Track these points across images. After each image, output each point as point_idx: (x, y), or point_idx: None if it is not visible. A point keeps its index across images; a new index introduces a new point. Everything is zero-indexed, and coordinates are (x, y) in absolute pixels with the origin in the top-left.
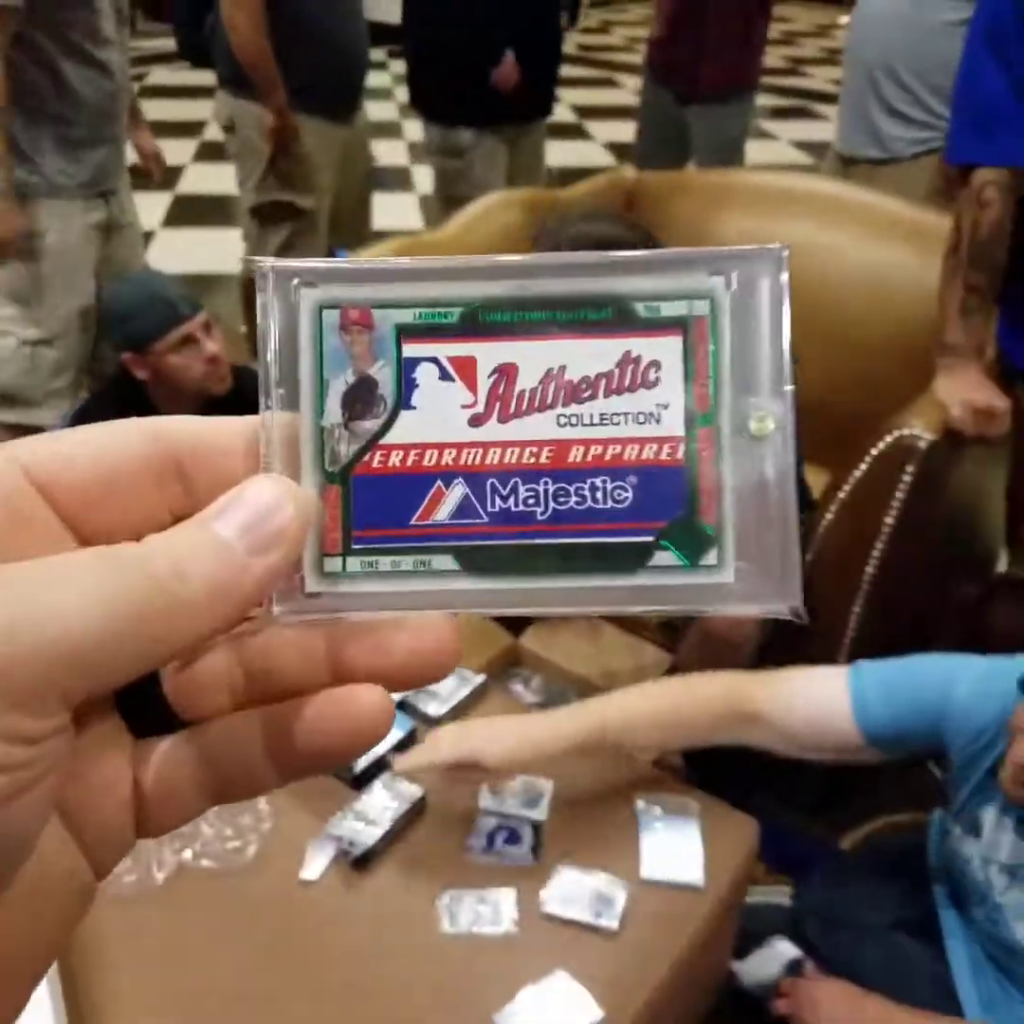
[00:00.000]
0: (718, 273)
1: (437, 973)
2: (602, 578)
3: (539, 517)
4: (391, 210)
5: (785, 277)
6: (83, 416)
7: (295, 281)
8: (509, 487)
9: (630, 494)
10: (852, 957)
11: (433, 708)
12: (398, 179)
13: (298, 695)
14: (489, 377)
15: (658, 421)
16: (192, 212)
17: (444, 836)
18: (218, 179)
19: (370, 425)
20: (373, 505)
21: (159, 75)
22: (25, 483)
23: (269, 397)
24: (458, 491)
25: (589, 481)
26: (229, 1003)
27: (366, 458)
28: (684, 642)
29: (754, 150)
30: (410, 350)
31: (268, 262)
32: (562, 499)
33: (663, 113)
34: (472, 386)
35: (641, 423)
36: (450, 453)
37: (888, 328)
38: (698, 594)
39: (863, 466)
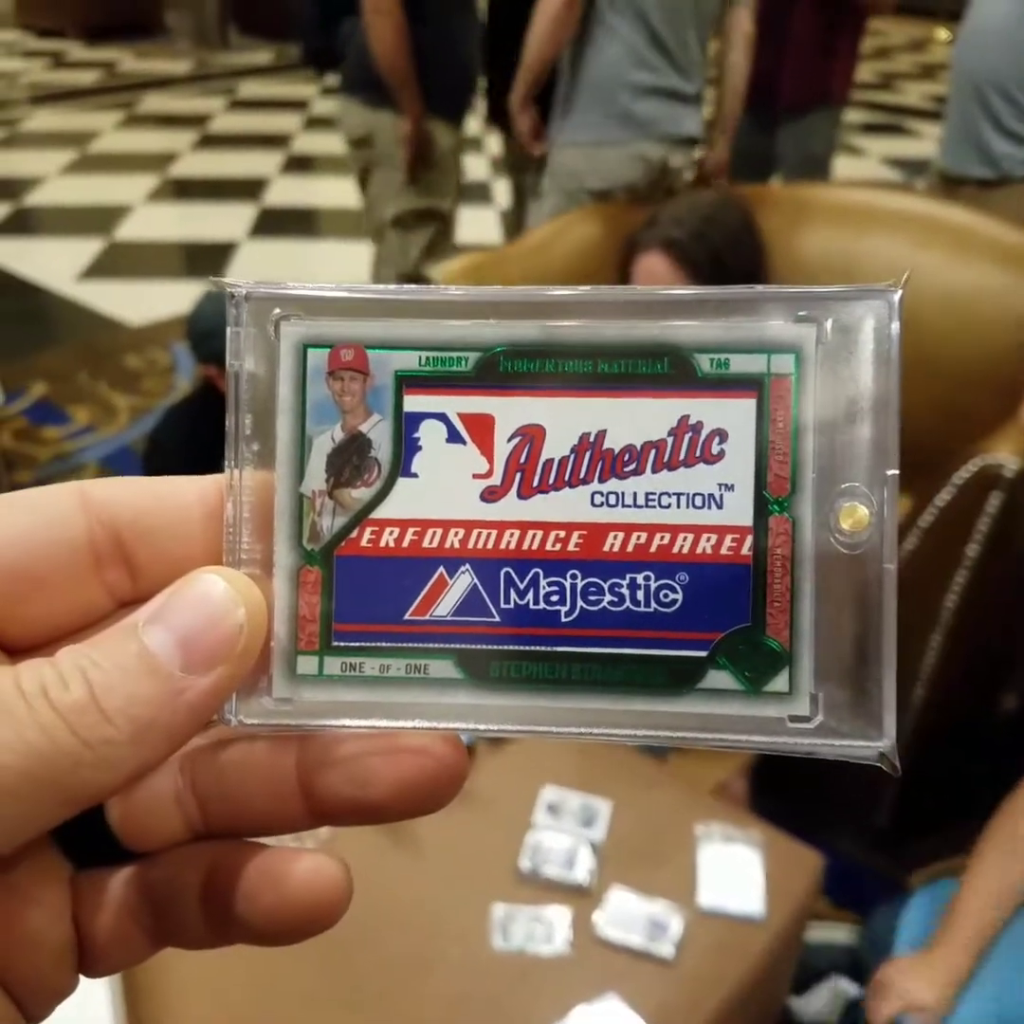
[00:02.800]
0: (808, 320)
1: (486, 989)
2: (641, 700)
3: (564, 619)
4: (471, 224)
5: (897, 327)
6: (165, 427)
7: (275, 311)
8: (528, 579)
9: (680, 596)
10: None
11: None
12: (479, 193)
13: (266, 826)
14: (509, 441)
15: (720, 506)
16: (277, 224)
17: (498, 847)
18: (303, 192)
19: (360, 494)
20: (360, 594)
21: (249, 88)
22: None
23: (237, 454)
24: (464, 581)
25: (629, 577)
26: (270, 1007)
27: (354, 535)
28: None
29: (843, 166)
30: (413, 403)
31: (242, 286)
32: (594, 598)
33: (744, 137)
34: (488, 452)
35: (698, 507)
36: (457, 534)
37: (975, 353)
38: (761, 727)
39: (945, 493)
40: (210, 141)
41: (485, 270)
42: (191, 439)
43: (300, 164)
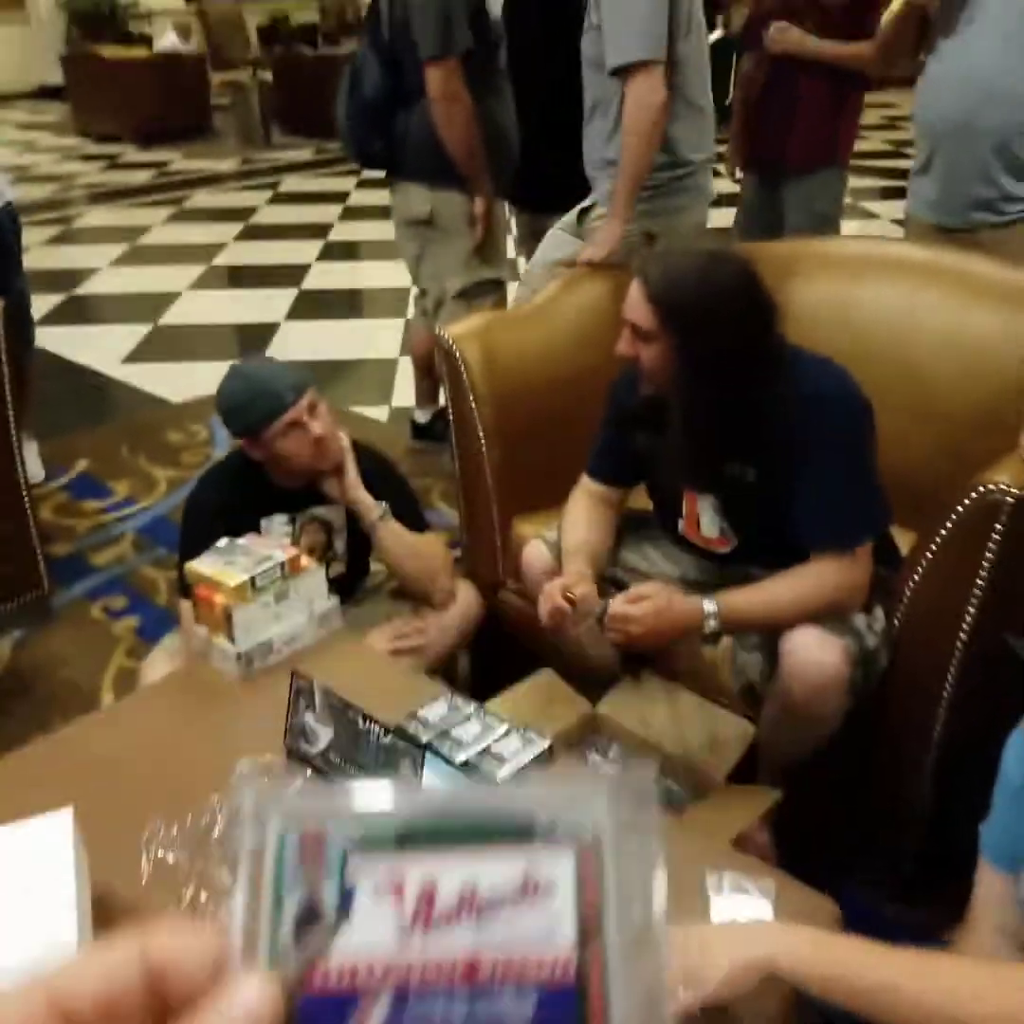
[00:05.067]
0: (609, 796)
1: None
2: None
3: None
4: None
5: (655, 815)
6: (201, 490)
7: (269, 805)
8: (428, 1002)
9: (532, 1014)
10: None
11: (499, 772)
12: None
13: None
14: (415, 895)
15: (553, 939)
16: (315, 306)
17: None
18: (340, 276)
19: (315, 944)
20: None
21: (290, 183)
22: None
23: (235, 912)
24: (382, 1011)
25: (499, 998)
26: None
27: (308, 977)
28: (765, 711)
29: (857, 228)
30: (353, 869)
31: (247, 792)
32: (475, 1016)
33: (753, 196)
34: (402, 904)
35: (539, 941)
36: (380, 970)
37: (975, 394)
38: None
39: (949, 524)
40: (254, 232)
41: (495, 330)
42: (226, 501)
43: (338, 250)
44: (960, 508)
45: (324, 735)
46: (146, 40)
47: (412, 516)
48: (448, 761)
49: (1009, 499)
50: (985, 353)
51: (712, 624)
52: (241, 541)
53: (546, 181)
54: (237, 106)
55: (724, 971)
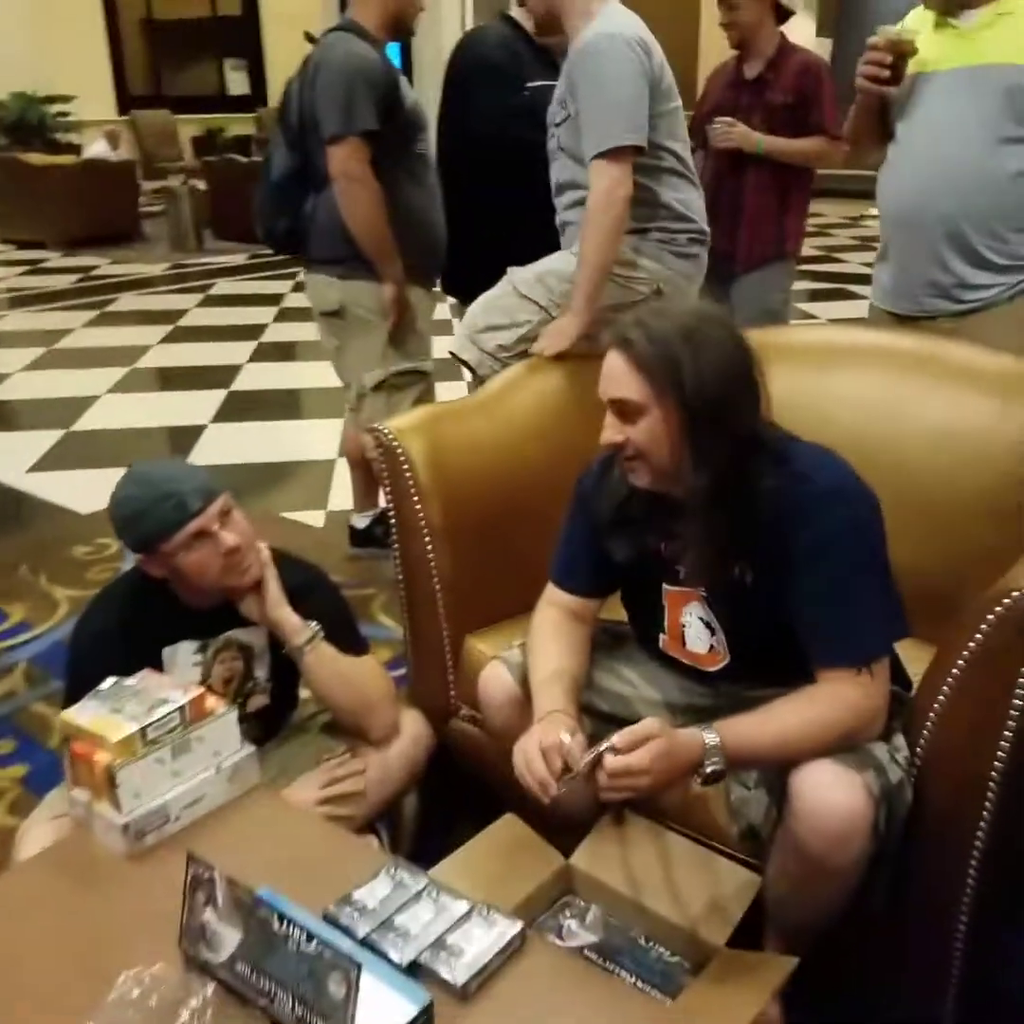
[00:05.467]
0: None
1: None
2: None
3: None
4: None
5: None
6: (98, 607)
7: None
8: None
9: None
10: None
11: (458, 972)
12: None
13: None
14: None
15: None
16: (243, 407)
17: None
18: (273, 376)
19: None
20: None
21: (223, 286)
22: None
23: None
24: None
25: None
26: None
27: None
28: (773, 859)
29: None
30: None
31: None
32: None
33: (701, 291)
34: None
35: None
36: None
37: (972, 486)
38: None
39: (976, 638)
40: (182, 334)
41: (441, 422)
42: (121, 628)
43: (271, 351)
44: (987, 620)
45: (230, 938)
46: (75, 149)
47: (347, 636)
48: (391, 962)
49: None
50: (979, 442)
51: (715, 762)
52: (131, 681)
53: (481, 271)
54: (168, 213)
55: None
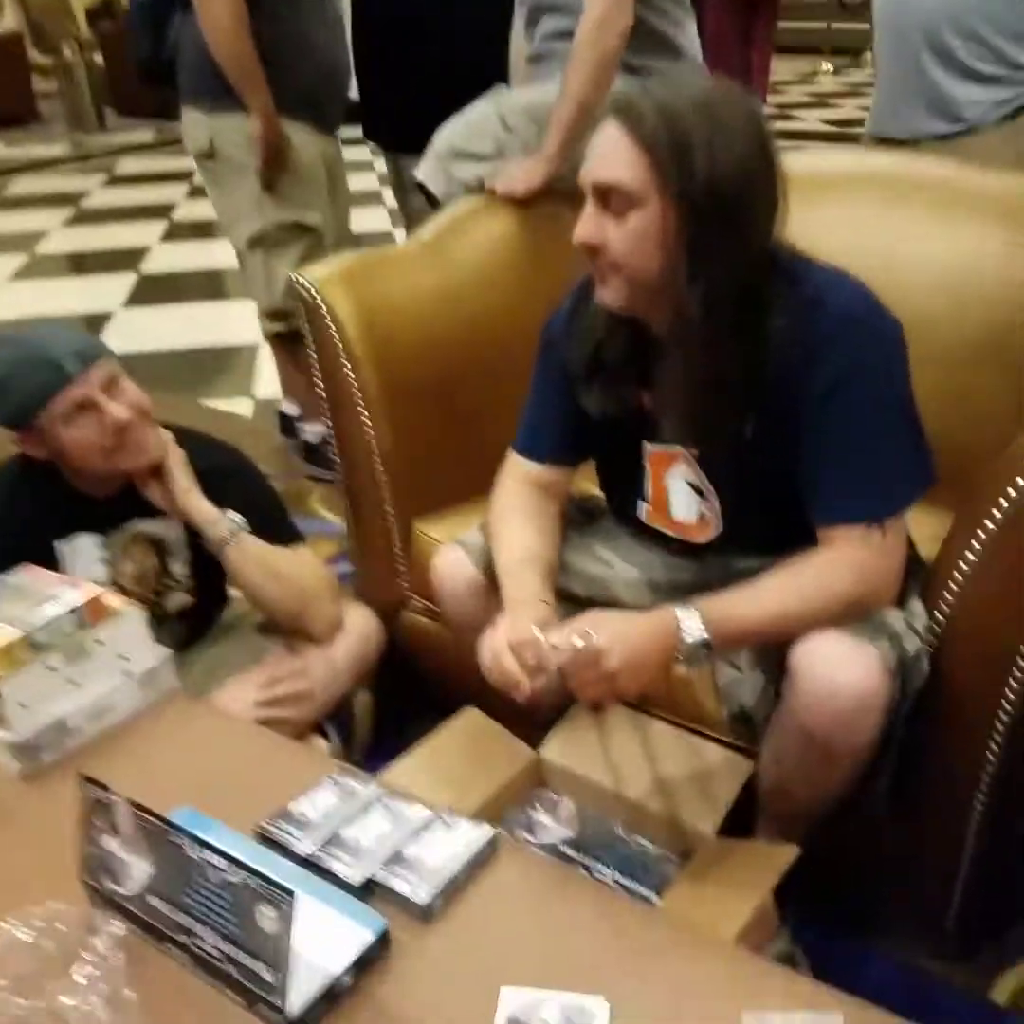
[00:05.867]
0: None
1: None
2: None
3: None
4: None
5: None
6: None
7: None
8: None
9: None
10: None
11: (419, 890)
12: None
13: None
14: None
15: None
16: (156, 291)
17: None
18: (187, 256)
19: None
20: None
21: (128, 164)
22: None
23: None
24: None
25: None
26: None
27: None
28: (768, 743)
29: None
30: None
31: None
32: None
33: None
34: None
35: None
36: None
37: (977, 329)
38: None
39: (1010, 495)
40: (85, 217)
41: (372, 274)
42: (4, 519)
43: (184, 231)
44: (1020, 482)
45: (139, 868)
46: None
47: (275, 526)
48: (340, 883)
49: None
50: (985, 279)
51: (694, 633)
52: (13, 579)
53: (413, 119)
54: (64, 90)
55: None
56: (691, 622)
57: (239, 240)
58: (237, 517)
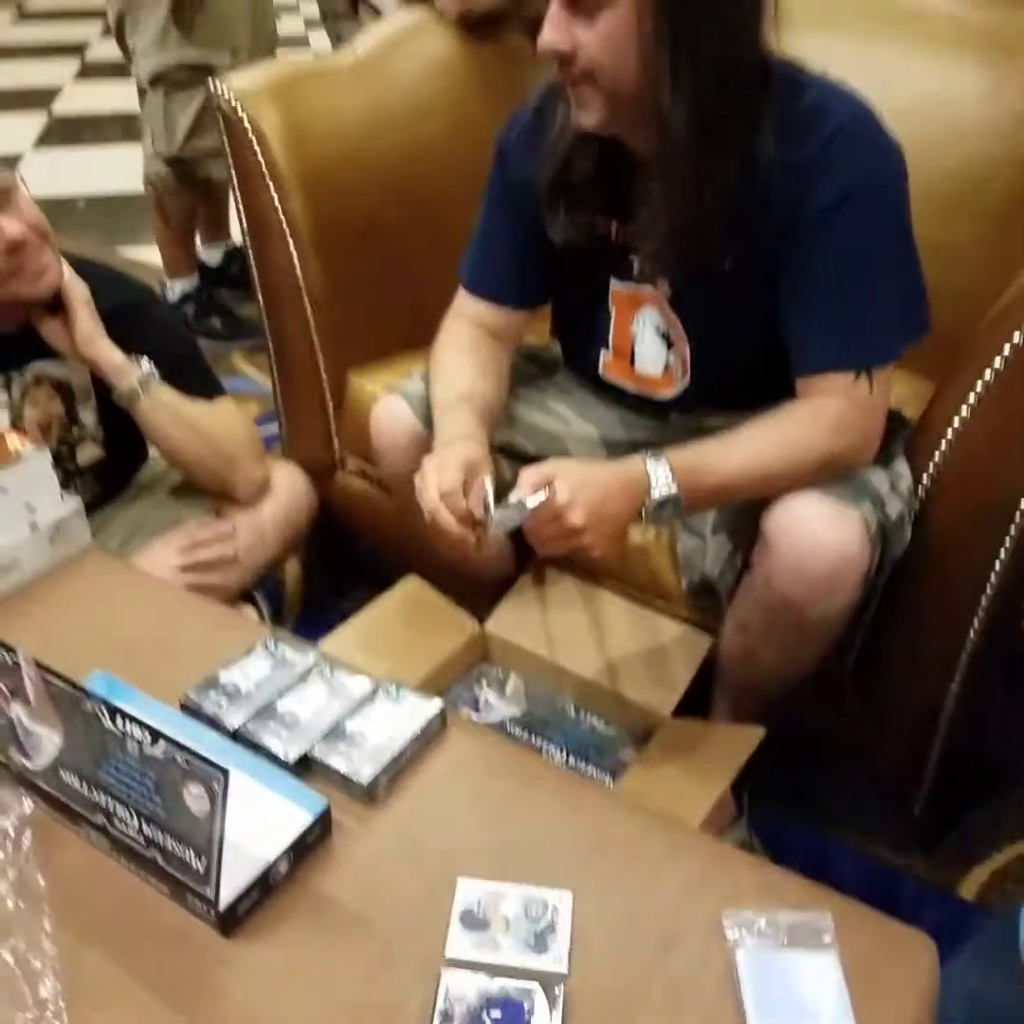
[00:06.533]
0: None
1: None
2: None
3: None
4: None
5: None
6: None
7: None
8: None
9: None
10: None
11: (362, 766)
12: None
13: None
14: None
15: None
16: (68, 133)
17: (388, 1001)
18: (102, 98)
19: None
20: None
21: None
22: None
23: None
24: None
25: None
26: None
27: None
28: (733, 613)
29: None
30: None
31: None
32: None
33: None
34: None
35: None
36: None
37: (958, 173)
38: None
39: (997, 364)
40: None
41: (301, 88)
42: None
43: (99, 70)
44: (1015, 340)
45: (49, 740)
46: None
47: (192, 374)
48: (275, 759)
49: None
50: (961, 113)
51: (663, 486)
52: None
53: None
54: None
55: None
56: (661, 474)
57: (141, 77)
58: (147, 364)
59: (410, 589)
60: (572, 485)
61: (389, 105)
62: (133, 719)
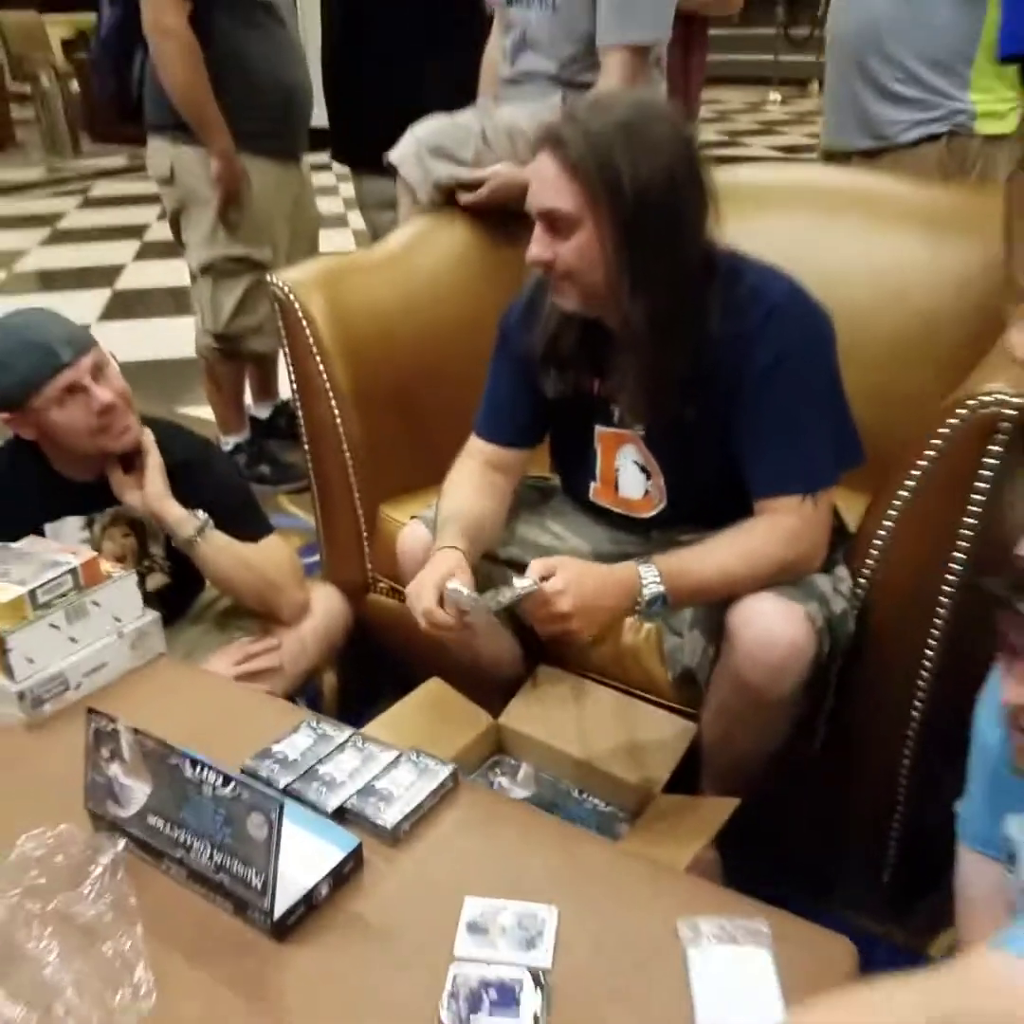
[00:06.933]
0: None
1: None
2: None
3: None
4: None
5: None
6: None
7: None
8: None
9: None
10: None
11: (388, 815)
12: (334, 222)
13: None
14: None
15: None
16: (129, 306)
17: (409, 991)
18: (158, 274)
19: None
20: None
21: (102, 187)
22: None
23: None
24: None
25: None
26: None
27: None
28: (709, 699)
29: None
30: None
31: None
32: None
33: None
34: None
35: None
36: None
37: (906, 329)
38: None
39: (930, 452)
40: (62, 236)
41: (342, 277)
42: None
43: (156, 250)
44: (942, 432)
45: (140, 792)
46: None
47: (245, 517)
48: (316, 809)
49: (1007, 411)
50: (908, 279)
51: (653, 587)
52: (16, 545)
53: (379, 139)
54: (41, 116)
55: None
56: (650, 575)
57: (192, 265)
58: (203, 515)
59: (432, 689)
60: (569, 577)
61: (415, 292)
62: (208, 766)
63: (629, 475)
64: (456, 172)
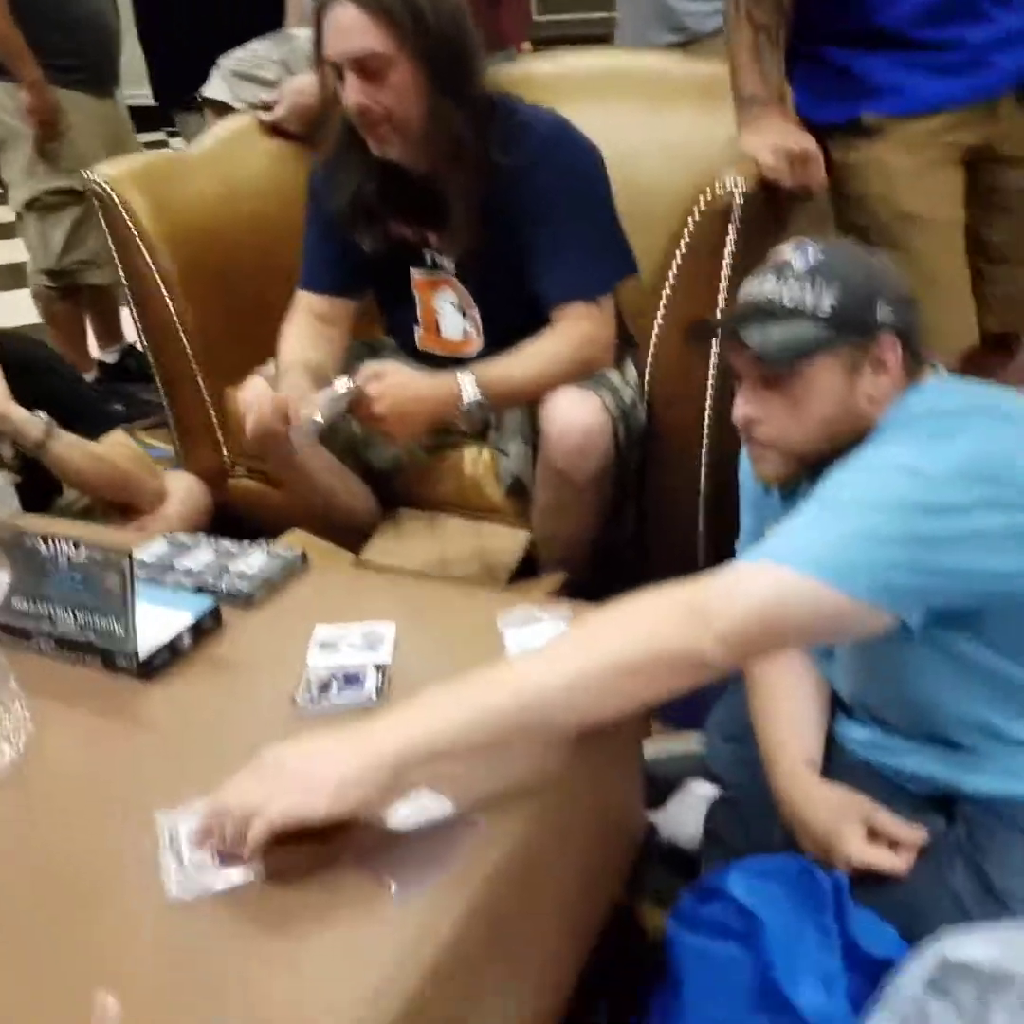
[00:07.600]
0: None
1: None
2: None
3: None
4: None
5: None
6: None
7: None
8: None
9: None
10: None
11: (242, 584)
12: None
13: None
14: None
15: None
16: None
17: (266, 696)
18: None
19: None
20: None
21: None
22: None
23: None
24: None
25: None
26: None
27: None
28: (535, 502)
29: None
30: None
31: None
32: None
33: None
34: None
35: None
36: None
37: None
38: None
39: (682, 245)
40: None
41: (158, 173)
42: None
43: None
44: (689, 226)
45: (1, 583)
46: None
47: (88, 416)
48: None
49: (736, 199)
50: (693, 151)
51: (471, 393)
52: None
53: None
54: None
55: None
56: (468, 384)
57: (15, 203)
58: (45, 416)
59: (295, 537)
60: (388, 384)
61: (237, 185)
62: (60, 538)
63: (448, 317)
64: (260, 93)
